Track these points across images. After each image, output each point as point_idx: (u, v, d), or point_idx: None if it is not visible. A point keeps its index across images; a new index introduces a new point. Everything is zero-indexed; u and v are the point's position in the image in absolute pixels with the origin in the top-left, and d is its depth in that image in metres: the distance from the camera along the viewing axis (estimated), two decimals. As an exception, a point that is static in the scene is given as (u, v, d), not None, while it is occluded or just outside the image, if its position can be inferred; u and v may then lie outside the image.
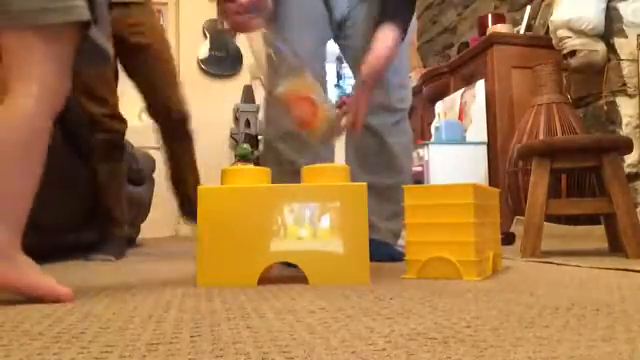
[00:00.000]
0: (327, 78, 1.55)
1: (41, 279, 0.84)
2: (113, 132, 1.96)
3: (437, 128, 3.12)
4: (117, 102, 2.00)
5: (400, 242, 1.51)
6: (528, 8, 3.17)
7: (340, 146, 1.64)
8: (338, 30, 1.60)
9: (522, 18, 3.18)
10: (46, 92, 0.86)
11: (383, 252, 1.45)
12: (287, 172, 1.47)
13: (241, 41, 4.75)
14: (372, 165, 1.57)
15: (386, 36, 1.36)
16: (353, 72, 1.61)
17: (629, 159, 2.29)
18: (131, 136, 2.18)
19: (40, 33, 0.86)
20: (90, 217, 2.00)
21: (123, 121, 2.00)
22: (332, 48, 1.62)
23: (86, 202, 1.99)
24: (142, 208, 2.87)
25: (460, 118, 3.18)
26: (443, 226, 1.06)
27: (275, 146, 1.51)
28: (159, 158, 2.33)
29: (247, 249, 1.01)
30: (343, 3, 1.55)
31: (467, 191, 1.05)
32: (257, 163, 3.89)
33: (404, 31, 1.40)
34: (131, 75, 2.01)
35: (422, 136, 3.73)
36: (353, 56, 1.58)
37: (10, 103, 0.85)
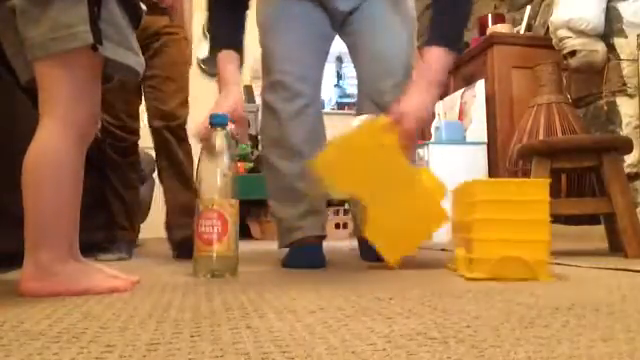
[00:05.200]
0: (321, 92, 1.55)
1: (91, 282, 0.91)
2: (123, 141, 2.02)
3: (437, 128, 3.12)
4: (133, 115, 2.04)
5: None
6: (528, 8, 3.17)
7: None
8: (342, 25, 1.56)
9: (522, 18, 3.18)
10: (67, 125, 0.91)
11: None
12: (275, 177, 1.48)
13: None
14: None
15: (433, 61, 1.26)
16: (356, 67, 1.56)
17: (629, 159, 2.29)
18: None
19: (54, 62, 0.91)
20: (96, 217, 2.01)
21: (134, 132, 2.05)
22: (331, 48, 1.62)
23: (91, 202, 2.01)
24: (142, 208, 2.86)
25: (460, 118, 3.18)
26: (515, 223, 1.02)
27: (265, 152, 1.53)
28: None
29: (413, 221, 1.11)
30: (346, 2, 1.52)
31: (542, 187, 1.02)
32: (257, 163, 3.89)
33: (458, 50, 1.29)
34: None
35: (422, 136, 3.72)
36: (357, 53, 1.54)
37: (37, 137, 0.91)
